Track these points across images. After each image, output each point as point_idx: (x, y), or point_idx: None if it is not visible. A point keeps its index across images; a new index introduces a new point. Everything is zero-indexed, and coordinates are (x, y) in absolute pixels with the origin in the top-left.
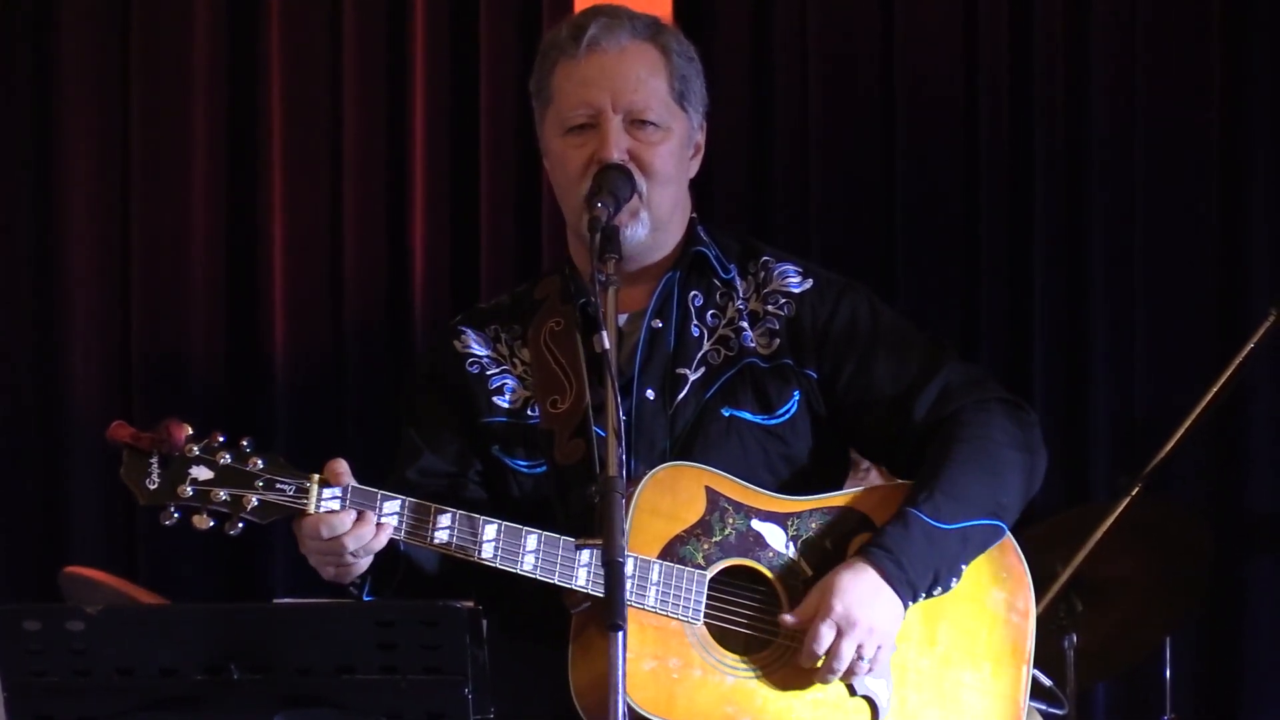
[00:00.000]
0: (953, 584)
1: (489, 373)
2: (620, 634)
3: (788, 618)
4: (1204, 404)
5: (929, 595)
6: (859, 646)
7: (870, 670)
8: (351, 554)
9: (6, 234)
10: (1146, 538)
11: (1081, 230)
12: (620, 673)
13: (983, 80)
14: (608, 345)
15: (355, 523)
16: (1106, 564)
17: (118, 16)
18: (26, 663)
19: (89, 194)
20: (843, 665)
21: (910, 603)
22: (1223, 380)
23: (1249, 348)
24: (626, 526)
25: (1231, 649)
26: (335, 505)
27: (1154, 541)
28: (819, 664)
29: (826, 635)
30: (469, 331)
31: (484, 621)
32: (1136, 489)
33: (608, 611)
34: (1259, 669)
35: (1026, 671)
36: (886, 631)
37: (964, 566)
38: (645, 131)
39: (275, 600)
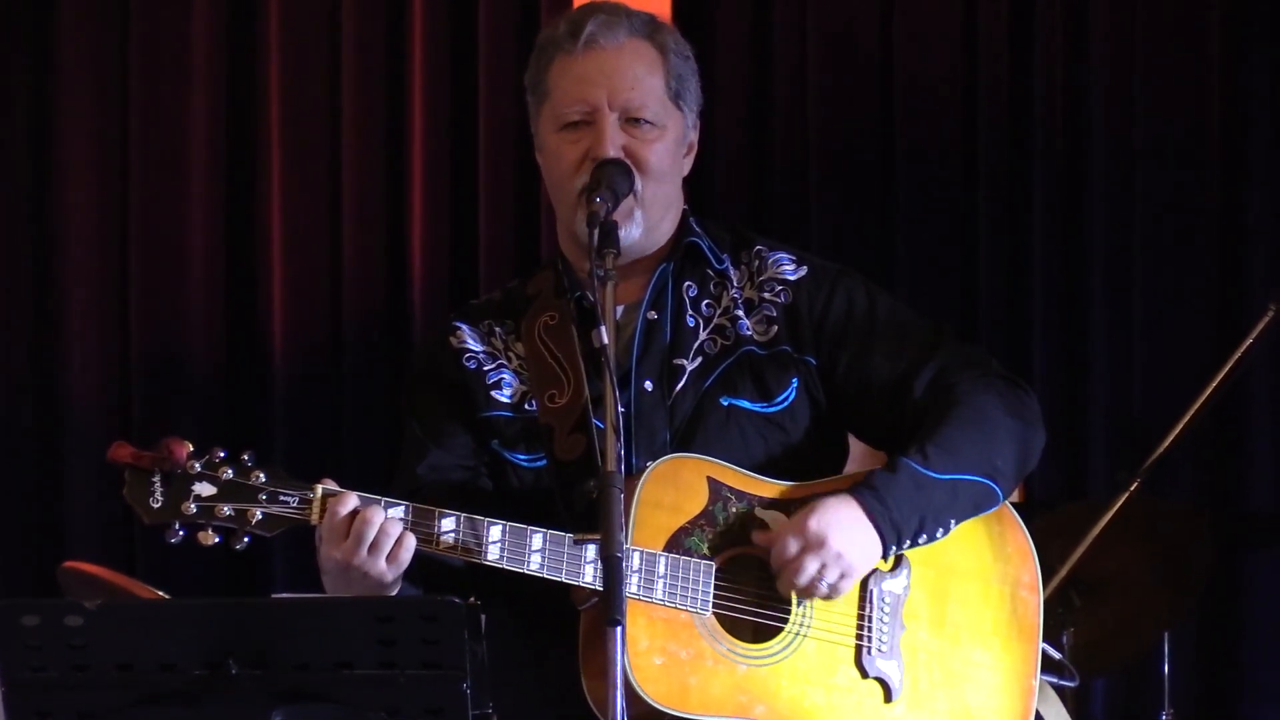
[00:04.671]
0: (939, 535)
1: (486, 368)
2: (619, 629)
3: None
4: (1203, 399)
5: (914, 543)
6: (821, 567)
7: (828, 595)
8: (387, 545)
9: (6, 233)
10: (1145, 533)
11: (1081, 226)
12: (619, 667)
13: (982, 76)
14: (606, 341)
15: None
16: (1105, 560)
17: (117, 15)
18: (25, 658)
19: (88, 192)
20: (801, 579)
21: (893, 545)
22: (1221, 376)
23: (1248, 343)
24: (630, 521)
25: (1230, 645)
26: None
27: (1152, 537)
28: (780, 574)
29: (792, 546)
30: (464, 327)
31: (483, 617)
32: (1135, 484)
33: (606, 607)
34: (1257, 665)
35: (1036, 647)
36: (853, 563)
37: (954, 522)
38: (640, 129)
39: (274, 595)
